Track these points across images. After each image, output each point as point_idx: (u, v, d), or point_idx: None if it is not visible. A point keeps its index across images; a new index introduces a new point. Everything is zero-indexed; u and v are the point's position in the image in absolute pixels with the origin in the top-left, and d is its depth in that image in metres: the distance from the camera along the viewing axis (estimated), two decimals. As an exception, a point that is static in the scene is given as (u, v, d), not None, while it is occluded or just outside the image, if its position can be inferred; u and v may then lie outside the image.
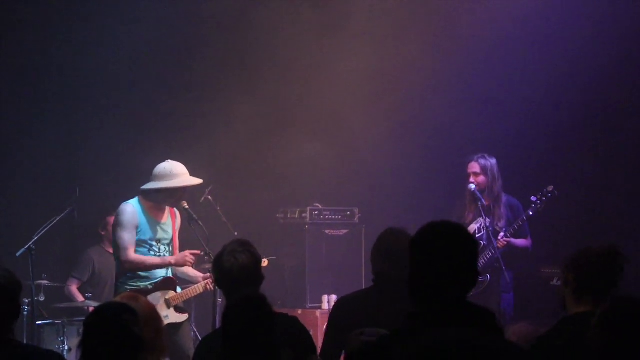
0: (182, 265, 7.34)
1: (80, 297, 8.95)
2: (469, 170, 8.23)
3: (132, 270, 7.29)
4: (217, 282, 4.89)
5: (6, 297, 4.06)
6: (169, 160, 7.45)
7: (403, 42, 9.59)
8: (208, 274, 7.38)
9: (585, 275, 4.17)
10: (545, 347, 4.12)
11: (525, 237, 8.17)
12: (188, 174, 7.45)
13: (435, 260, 3.10)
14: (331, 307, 8.68)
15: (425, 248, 3.16)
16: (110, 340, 3.73)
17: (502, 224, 8.08)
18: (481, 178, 8.17)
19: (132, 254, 7.22)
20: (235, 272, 4.63)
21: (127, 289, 7.13)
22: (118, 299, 4.58)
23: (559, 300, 4.30)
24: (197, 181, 7.52)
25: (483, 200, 8.07)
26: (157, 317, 4.33)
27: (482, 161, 8.19)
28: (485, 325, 3.01)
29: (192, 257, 7.30)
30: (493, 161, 8.21)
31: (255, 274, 4.68)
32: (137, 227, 7.27)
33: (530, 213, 8.05)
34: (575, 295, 4.20)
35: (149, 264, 7.26)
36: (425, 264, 3.12)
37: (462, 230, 3.20)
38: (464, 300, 3.11)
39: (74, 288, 9.29)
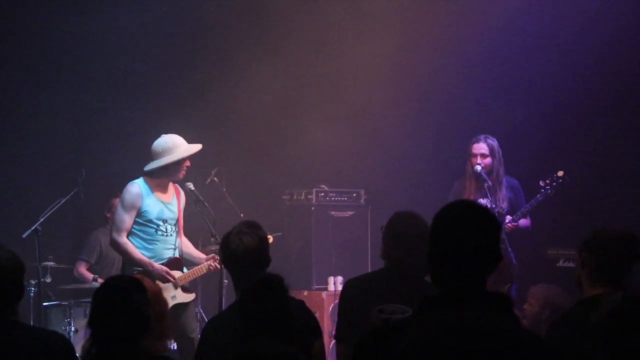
0: (158, 279, 7.13)
1: (91, 277, 8.94)
2: (476, 151, 8.14)
3: (115, 251, 7.47)
4: (223, 262, 4.90)
5: (9, 279, 4.06)
6: (164, 135, 7.44)
7: (417, 27, 9.60)
8: (211, 255, 7.42)
9: (602, 258, 4.16)
10: (563, 328, 4.12)
11: (525, 217, 8.17)
12: (186, 143, 7.45)
13: (457, 240, 3.03)
14: (337, 289, 8.79)
15: (448, 227, 3.08)
16: (119, 318, 3.73)
17: (505, 204, 8.06)
18: (488, 159, 8.12)
19: (124, 237, 7.23)
20: (240, 253, 4.63)
21: (135, 269, 7.15)
22: None
23: (576, 280, 4.30)
24: (198, 147, 7.49)
25: (489, 182, 8.04)
26: (159, 301, 4.31)
27: (490, 141, 8.14)
28: (501, 310, 3.00)
29: (170, 276, 7.25)
30: (497, 142, 8.19)
31: (260, 256, 4.67)
32: (139, 209, 7.26)
33: (540, 198, 8.01)
34: (591, 276, 4.20)
35: (132, 256, 7.23)
36: (447, 243, 3.05)
37: (488, 212, 3.14)
38: (482, 284, 3.06)
39: (83, 269, 9.28)
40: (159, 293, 4.38)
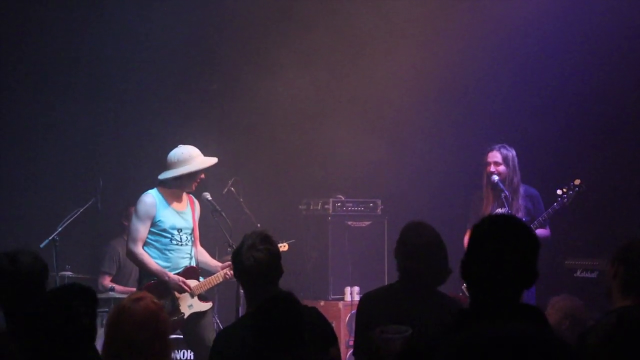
0: (174, 289, 7.21)
1: (119, 288, 8.94)
2: (489, 160, 8.16)
3: (131, 261, 7.47)
4: (236, 276, 4.90)
5: (30, 282, 4.05)
6: (181, 145, 7.45)
7: (437, 39, 9.61)
8: (227, 263, 7.41)
9: (636, 270, 4.13)
10: (591, 340, 4.11)
11: (544, 227, 8.14)
12: (202, 155, 7.47)
13: (492, 255, 3.01)
14: (353, 299, 8.78)
15: (484, 241, 3.06)
16: (54, 325, 3.64)
17: (521, 214, 8.03)
18: (502, 167, 8.11)
19: (140, 248, 7.24)
20: (255, 269, 4.65)
21: (151, 279, 7.17)
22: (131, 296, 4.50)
23: (605, 290, 4.28)
24: (213, 160, 7.49)
25: (507, 192, 8.02)
26: (156, 320, 4.17)
27: (504, 151, 8.14)
28: (534, 322, 2.98)
29: (186, 286, 7.25)
30: (513, 152, 8.17)
31: (273, 270, 4.70)
32: (153, 219, 7.27)
33: (557, 207, 7.98)
34: (622, 288, 4.17)
35: (147, 266, 7.24)
36: (482, 257, 3.03)
37: (526, 229, 3.11)
38: (517, 298, 3.04)
39: (107, 282, 9.23)
40: (153, 313, 4.19)
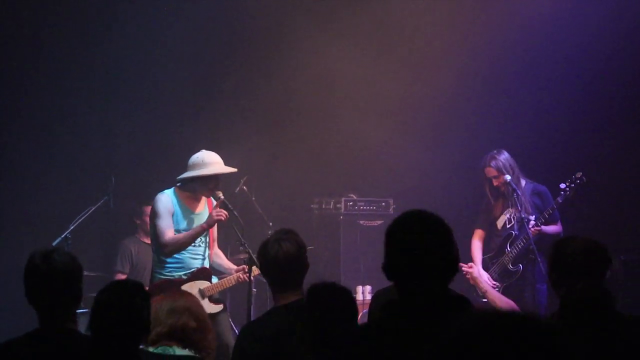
0: (214, 223, 7.20)
1: None
2: (489, 176, 8.22)
3: (173, 252, 7.25)
4: (261, 269, 4.92)
5: (65, 282, 4.01)
6: (203, 150, 7.46)
7: (448, 39, 9.62)
8: (241, 267, 7.39)
9: (570, 276, 4.31)
10: None
11: (555, 223, 8.12)
12: (222, 163, 7.45)
13: (407, 251, 3.10)
14: (365, 298, 8.77)
15: (397, 238, 3.15)
16: (119, 320, 3.67)
17: (531, 211, 8.04)
18: (502, 178, 8.15)
19: (170, 236, 7.19)
20: (280, 259, 4.70)
21: (162, 277, 7.17)
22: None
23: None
24: (230, 169, 7.50)
25: (519, 191, 8.04)
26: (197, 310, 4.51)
27: (494, 163, 8.16)
28: (461, 311, 3.03)
29: (222, 212, 7.16)
30: (504, 154, 8.18)
31: (299, 261, 4.77)
32: (173, 214, 7.27)
33: (560, 200, 8.00)
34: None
35: (184, 240, 7.18)
36: (399, 255, 3.12)
37: (434, 219, 3.19)
38: (443, 289, 3.11)
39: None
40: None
